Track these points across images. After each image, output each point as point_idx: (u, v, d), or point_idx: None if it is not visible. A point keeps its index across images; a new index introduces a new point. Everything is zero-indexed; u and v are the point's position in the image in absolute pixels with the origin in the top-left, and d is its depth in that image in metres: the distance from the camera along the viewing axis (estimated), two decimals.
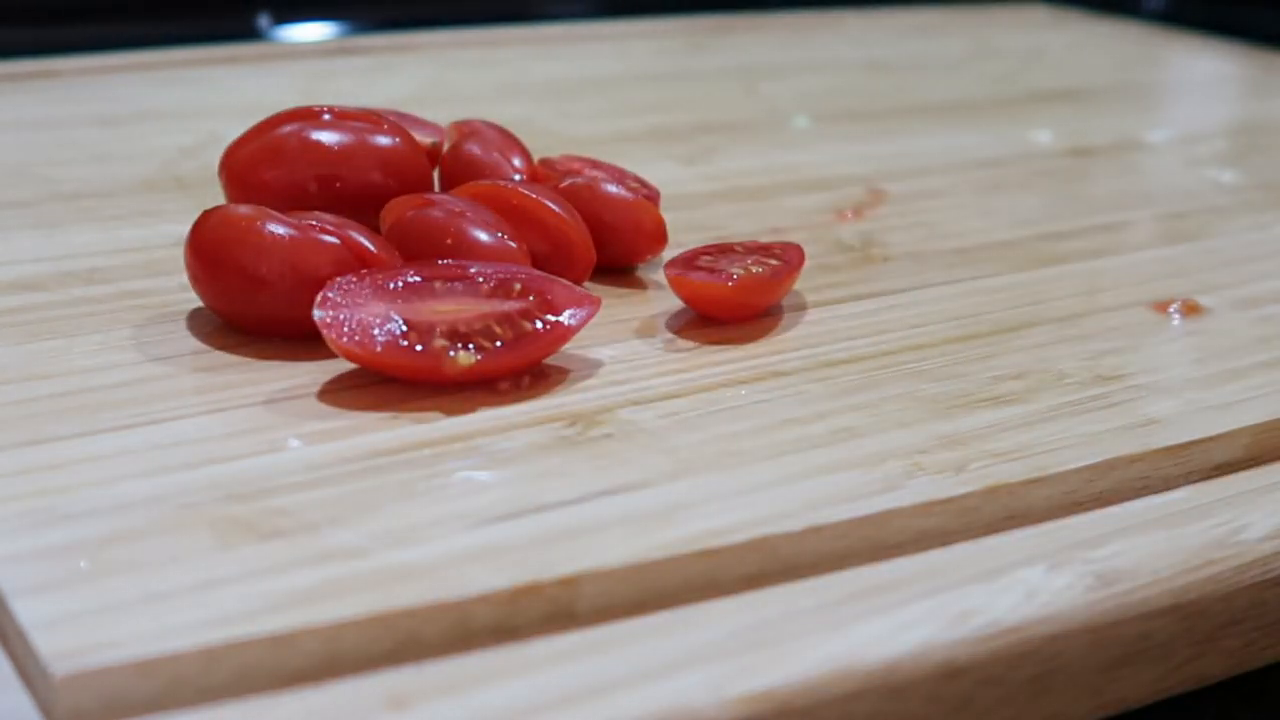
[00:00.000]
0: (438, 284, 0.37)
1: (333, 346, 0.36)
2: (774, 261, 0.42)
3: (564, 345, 0.38)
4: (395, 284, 0.37)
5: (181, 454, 0.33)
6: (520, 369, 0.37)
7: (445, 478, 0.33)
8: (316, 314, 0.36)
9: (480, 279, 0.37)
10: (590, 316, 0.38)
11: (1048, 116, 0.67)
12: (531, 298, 0.37)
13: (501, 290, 0.37)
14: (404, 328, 0.36)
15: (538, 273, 0.38)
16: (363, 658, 0.28)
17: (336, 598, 0.28)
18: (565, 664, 0.28)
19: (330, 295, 0.36)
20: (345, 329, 0.35)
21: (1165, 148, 0.63)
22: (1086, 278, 0.47)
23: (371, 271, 0.37)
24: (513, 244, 0.40)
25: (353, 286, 0.36)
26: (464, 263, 0.38)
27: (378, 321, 0.36)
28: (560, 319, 0.37)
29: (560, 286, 0.38)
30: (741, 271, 0.41)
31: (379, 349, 0.35)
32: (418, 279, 0.37)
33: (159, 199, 0.50)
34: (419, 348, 0.36)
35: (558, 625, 0.29)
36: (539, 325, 0.37)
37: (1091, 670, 0.31)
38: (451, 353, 0.36)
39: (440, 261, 0.38)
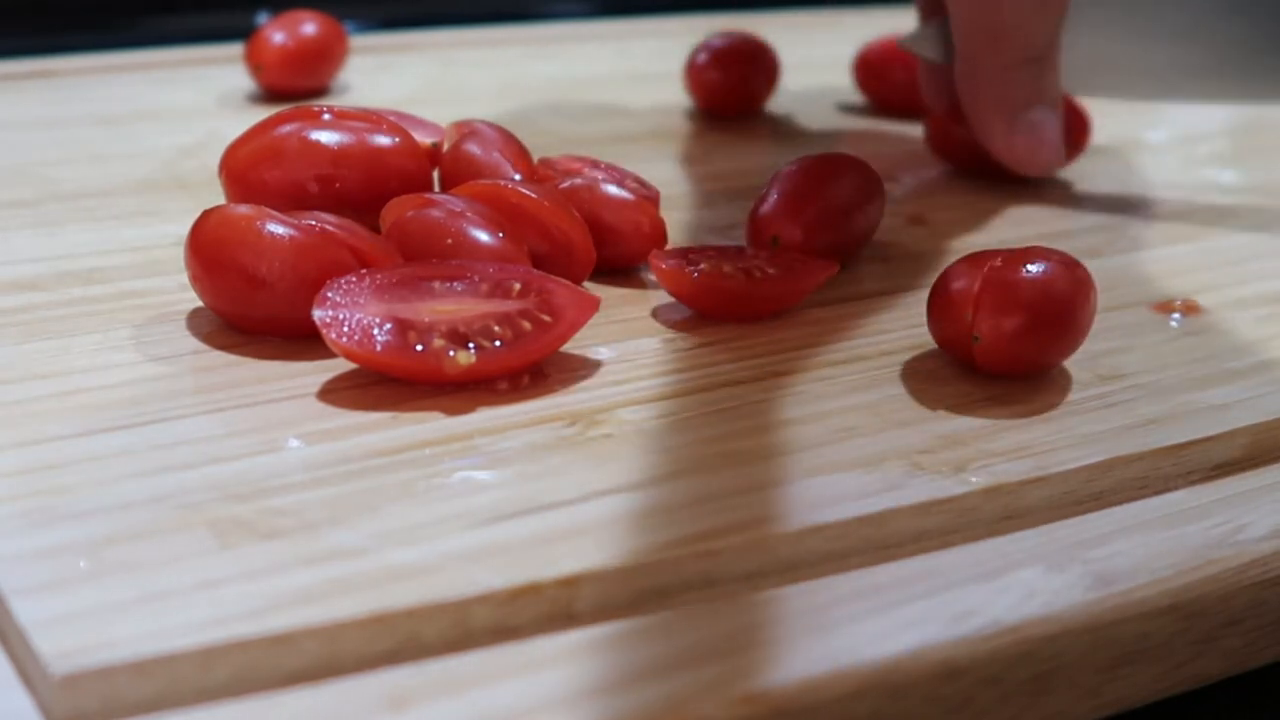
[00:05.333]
0: (437, 284, 0.37)
1: (333, 346, 0.36)
2: (771, 270, 0.42)
3: (563, 345, 0.38)
4: (395, 284, 0.37)
5: (181, 454, 0.33)
6: (520, 368, 0.37)
7: (445, 478, 0.33)
8: (316, 314, 0.36)
9: (480, 279, 0.37)
10: (590, 316, 0.38)
11: None
12: (531, 297, 0.37)
13: (501, 290, 0.37)
14: (404, 328, 0.36)
15: (537, 273, 0.38)
16: (362, 657, 0.28)
17: (336, 597, 0.28)
18: (565, 664, 0.28)
19: (330, 295, 0.36)
20: (345, 329, 0.36)
21: (1165, 148, 0.63)
22: None
23: (371, 271, 0.37)
24: (513, 244, 0.40)
25: (353, 286, 0.36)
26: (464, 263, 0.38)
27: (377, 321, 0.36)
28: (560, 319, 0.37)
29: (560, 286, 0.38)
30: (729, 268, 0.41)
31: (379, 349, 0.35)
32: (418, 279, 0.37)
33: (159, 199, 0.50)
34: (419, 348, 0.36)
35: (557, 625, 0.29)
36: (538, 325, 0.37)
37: (1091, 670, 0.31)
38: (451, 353, 0.36)
39: (440, 261, 0.38)
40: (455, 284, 0.37)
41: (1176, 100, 0.60)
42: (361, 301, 0.36)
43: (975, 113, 0.52)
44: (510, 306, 0.37)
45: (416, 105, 0.53)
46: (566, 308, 0.37)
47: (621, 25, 0.81)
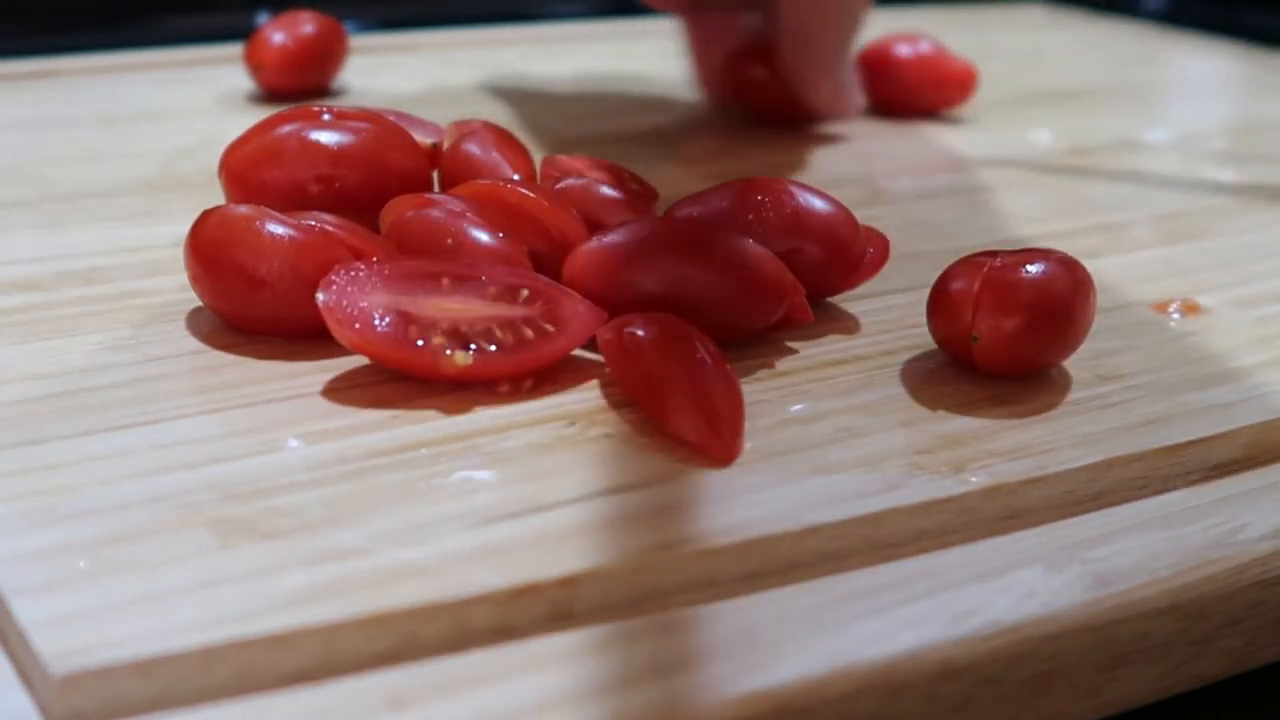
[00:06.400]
0: (445, 281, 0.37)
1: (332, 330, 0.35)
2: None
3: (563, 358, 0.37)
4: (403, 276, 0.36)
5: (181, 454, 0.33)
6: (518, 375, 0.37)
7: (445, 478, 0.33)
8: (319, 296, 0.35)
9: (488, 281, 0.37)
10: (594, 332, 0.37)
11: (1048, 116, 0.67)
12: (537, 305, 0.37)
13: (508, 294, 0.37)
14: (406, 320, 0.36)
15: (546, 280, 0.38)
16: (362, 657, 0.28)
17: (336, 598, 0.28)
18: (564, 664, 0.28)
19: (335, 280, 0.36)
20: (346, 314, 0.35)
21: (1165, 148, 0.63)
22: None
23: (380, 260, 0.37)
24: (512, 244, 0.40)
25: (359, 274, 0.36)
26: (474, 263, 0.38)
27: (380, 311, 0.36)
28: (563, 330, 0.37)
29: (568, 298, 0.37)
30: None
31: (378, 337, 0.35)
32: (426, 274, 0.37)
33: (159, 199, 0.50)
34: (419, 342, 0.36)
35: (557, 625, 0.29)
36: (540, 334, 0.37)
37: (1090, 670, 0.31)
38: (449, 351, 0.36)
39: (452, 259, 0.38)
40: (463, 282, 0.37)
41: None
42: (366, 289, 0.36)
43: (805, 77, 0.59)
44: (515, 312, 0.37)
45: (416, 105, 0.52)
46: (571, 320, 0.37)
47: (621, 25, 0.81)
